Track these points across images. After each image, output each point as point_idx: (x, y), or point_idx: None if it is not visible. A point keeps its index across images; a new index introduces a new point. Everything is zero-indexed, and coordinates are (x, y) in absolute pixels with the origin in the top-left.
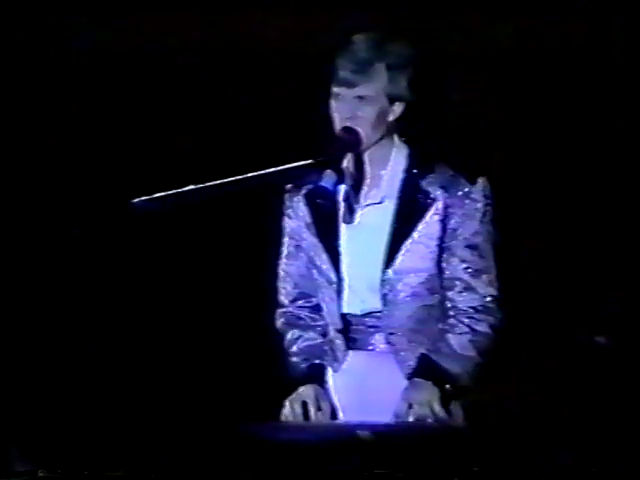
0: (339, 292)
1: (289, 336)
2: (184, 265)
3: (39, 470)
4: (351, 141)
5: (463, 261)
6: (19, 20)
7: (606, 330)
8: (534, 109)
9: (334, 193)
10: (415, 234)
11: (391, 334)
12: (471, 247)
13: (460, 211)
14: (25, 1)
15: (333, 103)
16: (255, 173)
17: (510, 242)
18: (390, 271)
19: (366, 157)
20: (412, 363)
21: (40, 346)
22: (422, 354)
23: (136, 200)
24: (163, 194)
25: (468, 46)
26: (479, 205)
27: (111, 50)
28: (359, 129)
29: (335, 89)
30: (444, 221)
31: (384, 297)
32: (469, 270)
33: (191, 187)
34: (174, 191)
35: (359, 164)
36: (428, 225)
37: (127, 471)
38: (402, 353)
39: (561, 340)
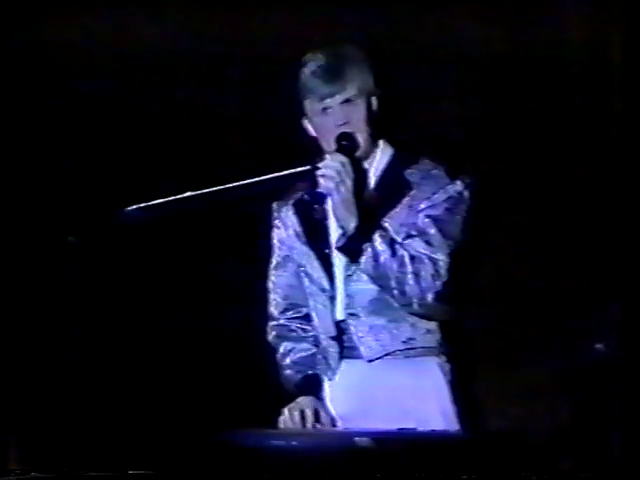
0: (332, 299)
1: (281, 349)
2: (180, 275)
3: (33, 471)
4: (350, 146)
5: (424, 234)
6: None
7: (605, 337)
8: (519, 107)
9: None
10: (386, 221)
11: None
12: (434, 220)
13: (434, 197)
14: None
15: (319, 118)
16: (251, 180)
17: (497, 245)
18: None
19: (360, 158)
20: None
21: (34, 353)
22: None
23: (128, 208)
24: (154, 202)
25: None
26: (455, 197)
27: (102, 57)
28: (356, 132)
29: (319, 105)
30: (414, 207)
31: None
32: (428, 243)
33: (187, 194)
34: (165, 199)
35: (355, 166)
36: (398, 212)
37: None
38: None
39: (560, 348)
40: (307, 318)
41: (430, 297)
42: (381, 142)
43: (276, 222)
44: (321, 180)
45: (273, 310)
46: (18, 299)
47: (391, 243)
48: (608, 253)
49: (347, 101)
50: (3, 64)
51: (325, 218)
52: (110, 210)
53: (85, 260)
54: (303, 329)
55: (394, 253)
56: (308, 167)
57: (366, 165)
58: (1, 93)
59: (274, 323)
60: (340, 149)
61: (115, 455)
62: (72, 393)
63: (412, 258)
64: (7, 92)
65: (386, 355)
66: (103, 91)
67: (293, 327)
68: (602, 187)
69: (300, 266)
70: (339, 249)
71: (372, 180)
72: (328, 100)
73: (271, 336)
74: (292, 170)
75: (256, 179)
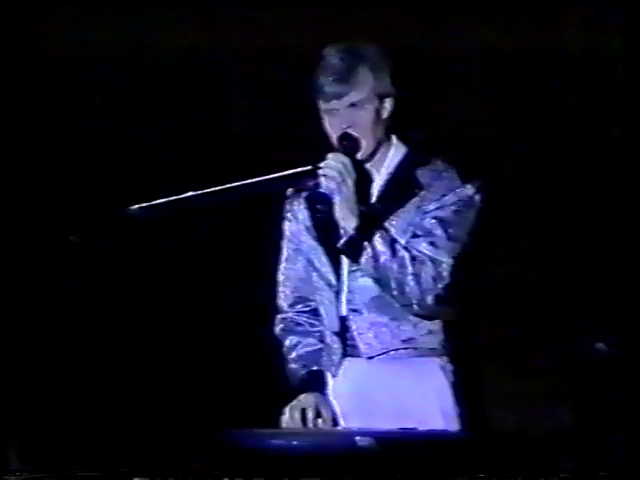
0: (338, 294)
1: (287, 343)
2: (184, 272)
3: (32, 471)
4: (351, 147)
5: (429, 235)
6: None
7: (606, 337)
8: (533, 112)
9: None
10: (393, 220)
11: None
12: (441, 222)
13: (443, 199)
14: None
15: (327, 118)
16: (256, 179)
17: (500, 247)
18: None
19: (365, 159)
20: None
21: (34, 353)
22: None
23: (135, 207)
24: (161, 201)
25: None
26: (465, 201)
27: (105, 56)
28: (359, 135)
29: (326, 105)
30: (422, 208)
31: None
32: (433, 244)
33: (190, 194)
34: (172, 198)
35: (358, 167)
36: (406, 211)
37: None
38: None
39: (561, 348)
40: (315, 312)
41: (430, 299)
42: (395, 141)
43: (288, 215)
44: (323, 180)
45: (282, 303)
46: (18, 299)
47: (392, 243)
48: (609, 254)
49: (353, 105)
50: (4, 63)
51: (334, 214)
52: (112, 210)
53: (86, 259)
54: (310, 324)
55: (394, 254)
56: (310, 167)
57: (375, 164)
58: (2, 93)
59: (282, 316)
60: (342, 149)
61: (114, 455)
62: (72, 393)
63: (413, 259)
64: (8, 92)
65: (386, 354)
66: (104, 90)
67: (301, 321)
68: (604, 189)
69: (309, 260)
70: (339, 249)
71: (382, 178)
72: (335, 102)
73: (278, 329)
74: (294, 170)
75: (258, 179)
